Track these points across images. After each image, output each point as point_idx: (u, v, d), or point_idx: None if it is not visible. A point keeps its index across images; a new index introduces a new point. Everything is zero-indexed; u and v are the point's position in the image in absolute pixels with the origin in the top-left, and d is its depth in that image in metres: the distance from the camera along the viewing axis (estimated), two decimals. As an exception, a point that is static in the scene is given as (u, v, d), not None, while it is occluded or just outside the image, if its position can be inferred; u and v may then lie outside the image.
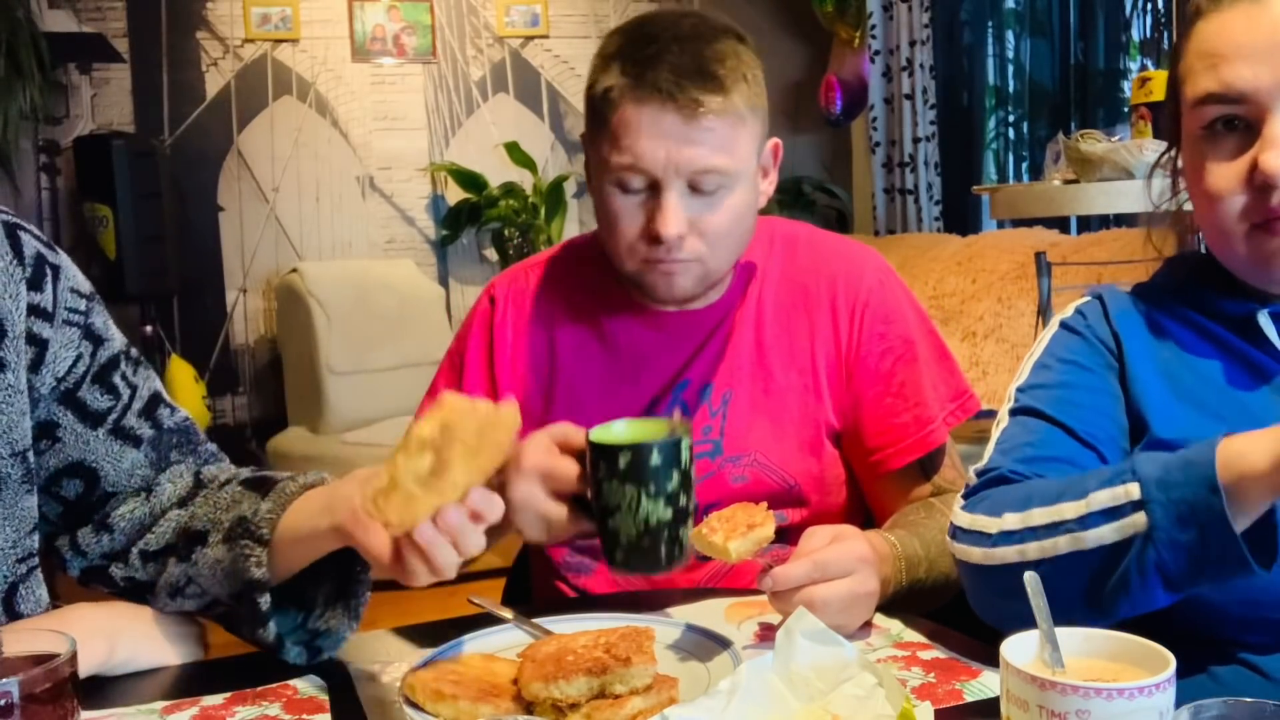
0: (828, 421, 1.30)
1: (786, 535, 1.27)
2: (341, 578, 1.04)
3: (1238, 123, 0.95)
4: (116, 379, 1.08)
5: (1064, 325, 1.10)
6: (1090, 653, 0.73)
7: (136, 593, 1.07)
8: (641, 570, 1.05)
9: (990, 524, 0.94)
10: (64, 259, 1.08)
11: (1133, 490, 0.85)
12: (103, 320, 1.09)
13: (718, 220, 1.19)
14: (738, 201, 1.20)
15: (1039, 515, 0.90)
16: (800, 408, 1.30)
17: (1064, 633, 0.73)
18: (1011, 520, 0.92)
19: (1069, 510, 0.88)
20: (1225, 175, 0.96)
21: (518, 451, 1.06)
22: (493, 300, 1.39)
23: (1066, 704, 0.66)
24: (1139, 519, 0.84)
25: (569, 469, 1.04)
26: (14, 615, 1.01)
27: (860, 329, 1.30)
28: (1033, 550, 0.90)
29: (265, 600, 0.98)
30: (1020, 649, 0.73)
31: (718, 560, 1.04)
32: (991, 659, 0.81)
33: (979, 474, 1.01)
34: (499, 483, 1.09)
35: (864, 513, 1.38)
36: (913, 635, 1.04)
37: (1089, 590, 0.87)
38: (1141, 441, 1.00)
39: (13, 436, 1.01)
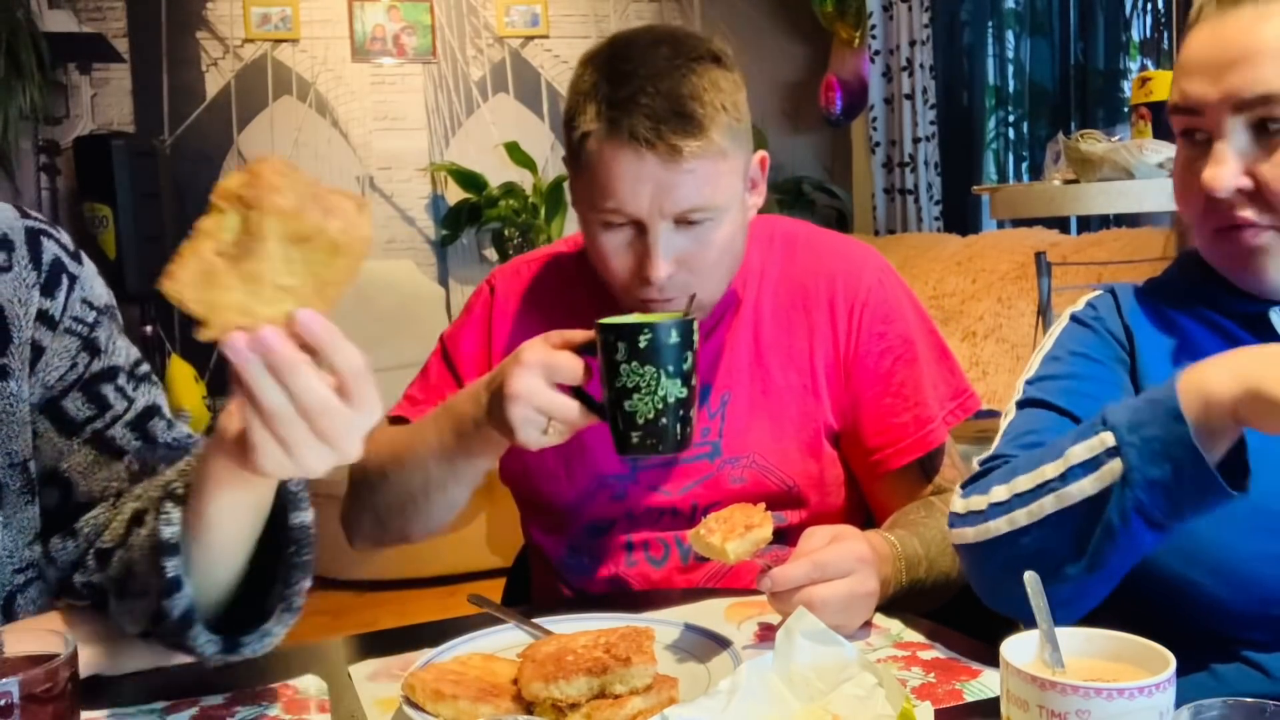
0: (827, 422, 1.30)
1: (786, 536, 1.27)
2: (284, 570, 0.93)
3: (1200, 134, 0.98)
4: (108, 390, 1.04)
5: (1074, 318, 1.10)
6: (1090, 653, 0.74)
7: (100, 604, 0.98)
8: (656, 451, 1.08)
9: (981, 502, 0.95)
10: (86, 269, 1.06)
11: (1106, 439, 0.86)
12: (109, 334, 1.06)
13: (707, 255, 1.18)
14: (725, 232, 1.19)
15: (1023, 482, 0.92)
16: (799, 408, 1.30)
17: (1064, 633, 0.73)
18: (999, 492, 0.94)
19: (1050, 471, 0.90)
20: (1193, 182, 0.99)
21: (517, 350, 1.09)
22: (492, 290, 1.39)
23: (1066, 704, 0.66)
24: (1115, 465, 0.85)
25: (572, 361, 1.07)
26: None
27: (859, 328, 1.30)
28: (1021, 516, 0.91)
29: (173, 565, 0.86)
30: (1020, 649, 0.73)
31: (716, 561, 1.04)
32: (991, 659, 0.81)
33: (981, 463, 1.02)
34: (495, 387, 1.10)
35: (864, 513, 1.38)
36: (913, 635, 1.04)
37: (1077, 545, 0.88)
38: None
39: (13, 446, 1.00)
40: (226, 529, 0.89)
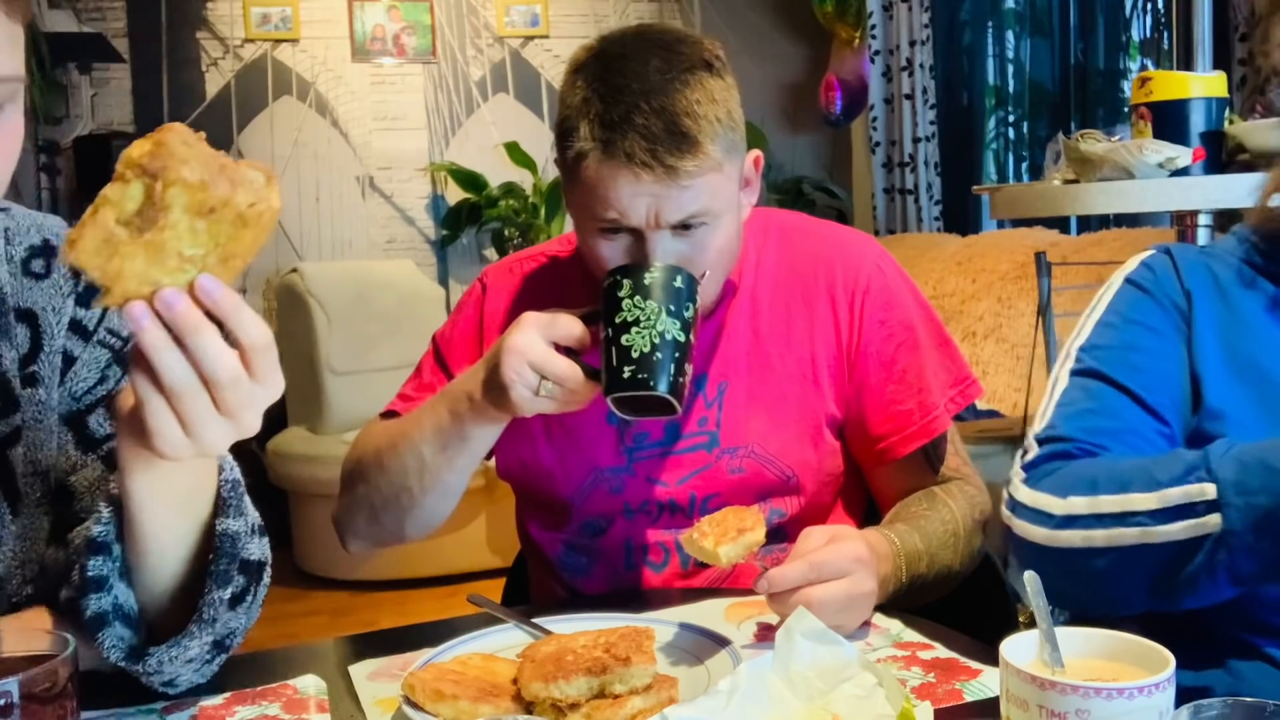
0: (828, 411, 1.30)
1: (784, 528, 1.28)
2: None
3: None
4: None
5: (1130, 281, 1.05)
6: (1090, 652, 0.74)
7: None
8: (647, 387, 1.09)
9: (1055, 504, 0.92)
10: None
11: (1208, 490, 0.83)
12: None
13: (704, 259, 1.18)
14: (722, 235, 1.19)
15: (1107, 503, 0.88)
16: (799, 397, 1.29)
17: (1064, 633, 0.73)
18: (1079, 504, 0.90)
19: (1139, 502, 0.87)
20: None
21: (519, 316, 1.12)
22: (484, 288, 1.39)
23: (1066, 704, 0.66)
24: (1212, 520, 0.82)
25: (571, 320, 1.11)
26: None
27: (861, 317, 1.29)
28: (1099, 538, 0.88)
29: (95, 564, 0.84)
30: (1020, 648, 0.73)
31: (710, 564, 1.04)
32: (991, 659, 0.81)
33: (1039, 440, 0.98)
34: (492, 354, 1.11)
35: (863, 505, 1.38)
36: (913, 635, 1.04)
37: (1155, 583, 0.86)
38: (1197, 409, 0.98)
39: (38, 455, 1.00)
40: (151, 524, 0.84)
